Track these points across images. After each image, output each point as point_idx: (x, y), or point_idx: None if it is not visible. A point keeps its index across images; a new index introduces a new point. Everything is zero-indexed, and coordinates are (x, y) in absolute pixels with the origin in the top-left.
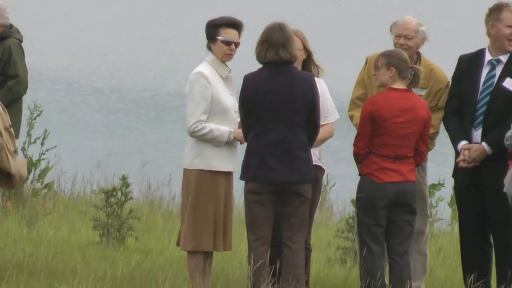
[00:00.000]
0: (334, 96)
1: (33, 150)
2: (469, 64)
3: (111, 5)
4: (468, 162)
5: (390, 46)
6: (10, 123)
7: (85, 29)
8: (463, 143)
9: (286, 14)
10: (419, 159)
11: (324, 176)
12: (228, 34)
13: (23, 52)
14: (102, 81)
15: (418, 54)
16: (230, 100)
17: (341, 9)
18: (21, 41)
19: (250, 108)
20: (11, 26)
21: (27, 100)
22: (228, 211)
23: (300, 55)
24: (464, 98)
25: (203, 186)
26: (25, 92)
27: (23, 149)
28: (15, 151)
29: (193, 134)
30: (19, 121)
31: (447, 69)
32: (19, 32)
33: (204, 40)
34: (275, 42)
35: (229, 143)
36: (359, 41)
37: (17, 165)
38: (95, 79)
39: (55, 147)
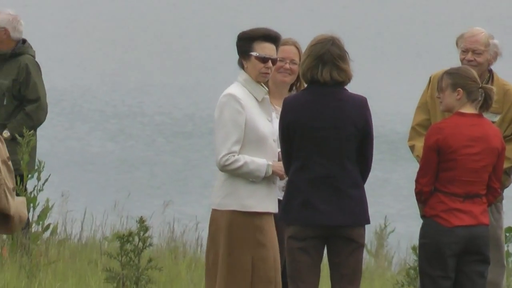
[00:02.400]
0: (388, 121)
1: (31, 185)
2: None
3: (123, 16)
4: None
5: (457, 63)
6: (8, 155)
7: (92, 43)
8: None
9: (325, 21)
10: (492, 197)
11: (382, 219)
12: (264, 49)
13: (40, 71)
14: (113, 103)
15: (490, 72)
16: (268, 127)
17: (401, 16)
18: (34, 58)
19: (291, 137)
20: (24, 41)
21: None
22: (275, 259)
23: (297, 70)
24: None
25: (237, 230)
26: (45, 119)
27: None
28: (14, 188)
29: (224, 168)
30: (34, 153)
31: None
32: (32, 47)
33: (235, 54)
34: (328, 59)
35: (268, 179)
36: (421, 56)
37: (16, 204)
38: (104, 101)
39: (49, 176)
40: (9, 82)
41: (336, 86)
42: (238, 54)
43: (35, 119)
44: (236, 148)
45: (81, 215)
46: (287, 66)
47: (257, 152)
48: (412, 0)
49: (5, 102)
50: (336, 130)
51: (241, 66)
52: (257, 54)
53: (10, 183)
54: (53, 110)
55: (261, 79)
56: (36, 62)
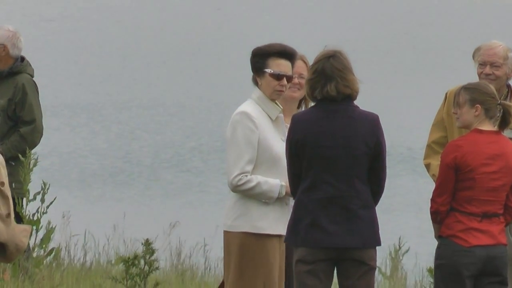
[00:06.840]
0: (402, 139)
1: (33, 208)
2: None
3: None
4: None
5: (474, 79)
6: (4, 180)
7: (101, 58)
8: None
9: (336, 36)
10: (509, 217)
11: (396, 239)
12: (279, 65)
13: (37, 91)
14: (118, 117)
15: (509, 87)
16: (282, 147)
17: (415, 31)
18: (32, 77)
19: (299, 155)
20: (22, 58)
21: None
22: (277, 281)
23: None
24: None
25: (248, 252)
26: (39, 141)
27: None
28: (8, 215)
29: (236, 188)
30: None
31: None
32: (31, 65)
33: (249, 72)
34: (330, 73)
35: (280, 200)
36: (436, 72)
37: (12, 232)
38: (108, 116)
39: (54, 199)
40: (5, 101)
41: (345, 102)
42: (252, 70)
43: (30, 141)
44: (249, 168)
45: (83, 237)
46: (296, 80)
47: (270, 172)
48: (426, 13)
49: None
50: (346, 149)
51: (255, 83)
52: (272, 71)
53: (3, 209)
54: (52, 125)
55: (275, 96)
56: (34, 82)
